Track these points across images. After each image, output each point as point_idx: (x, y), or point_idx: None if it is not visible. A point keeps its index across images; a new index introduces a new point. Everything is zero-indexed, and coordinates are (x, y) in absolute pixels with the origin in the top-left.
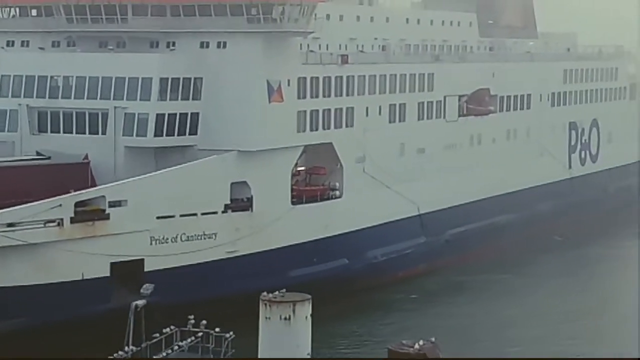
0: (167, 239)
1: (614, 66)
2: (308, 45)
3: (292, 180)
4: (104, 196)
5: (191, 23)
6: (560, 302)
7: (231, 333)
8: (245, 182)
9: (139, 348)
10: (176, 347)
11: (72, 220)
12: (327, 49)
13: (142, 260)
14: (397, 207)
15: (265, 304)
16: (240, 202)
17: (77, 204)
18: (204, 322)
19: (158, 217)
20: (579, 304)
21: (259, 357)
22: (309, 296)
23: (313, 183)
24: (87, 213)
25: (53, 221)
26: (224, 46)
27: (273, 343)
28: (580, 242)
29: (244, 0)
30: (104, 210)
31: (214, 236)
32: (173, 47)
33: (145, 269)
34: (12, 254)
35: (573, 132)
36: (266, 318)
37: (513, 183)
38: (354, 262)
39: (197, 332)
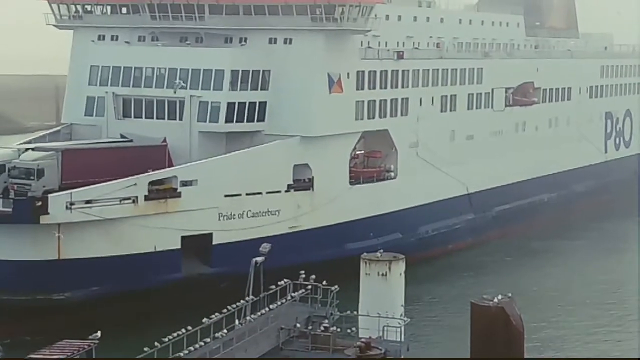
0: (234, 215)
1: None
2: (369, 42)
3: (351, 162)
4: (176, 176)
5: (261, 21)
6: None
7: (336, 286)
8: (307, 165)
9: (257, 298)
10: (289, 297)
11: (146, 198)
12: (385, 45)
13: (211, 234)
14: (447, 187)
15: (366, 262)
16: (302, 182)
17: (151, 183)
18: (313, 276)
19: (226, 195)
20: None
21: (360, 306)
22: (403, 256)
23: (370, 165)
24: (160, 191)
25: (129, 198)
26: (290, 42)
27: (372, 295)
28: (617, 215)
29: (308, 1)
30: (175, 189)
31: (277, 213)
32: (244, 43)
33: (214, 242)
34: (90, 228)
35: (608, 121)
36: (366, 274)
37: (554, 165)
38: (407, 236)
39: (307, 284)
